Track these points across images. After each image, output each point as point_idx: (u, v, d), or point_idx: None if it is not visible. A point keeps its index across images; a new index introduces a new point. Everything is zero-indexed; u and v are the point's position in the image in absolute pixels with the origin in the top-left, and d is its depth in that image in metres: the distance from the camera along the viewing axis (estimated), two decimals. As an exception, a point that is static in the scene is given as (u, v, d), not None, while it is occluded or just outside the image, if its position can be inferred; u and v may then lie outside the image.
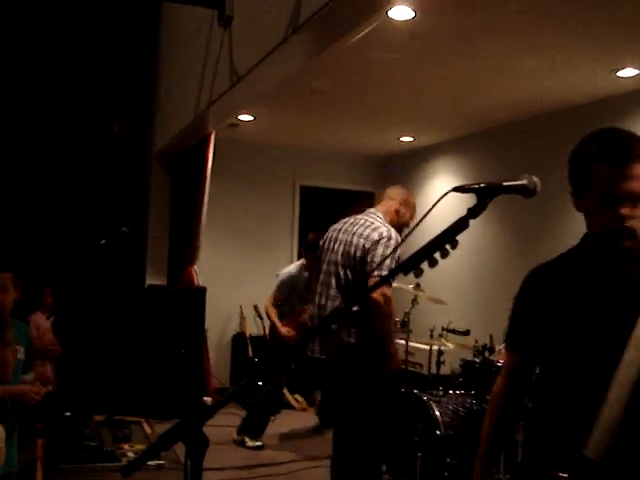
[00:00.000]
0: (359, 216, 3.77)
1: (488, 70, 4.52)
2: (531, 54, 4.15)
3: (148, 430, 5.54)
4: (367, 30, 3.12)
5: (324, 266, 3.69)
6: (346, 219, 3.80)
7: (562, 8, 3.45)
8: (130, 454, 4.73)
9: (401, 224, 3.83)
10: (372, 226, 3.62)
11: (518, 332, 1.85)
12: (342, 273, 3.58)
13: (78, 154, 6.53)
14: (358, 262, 3.53)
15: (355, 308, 3.43)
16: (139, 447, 4.91)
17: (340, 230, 3.72)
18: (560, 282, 1.72)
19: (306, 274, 5.67)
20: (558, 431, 1.66)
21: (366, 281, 3.43)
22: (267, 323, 6.92)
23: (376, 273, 3.40)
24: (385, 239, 3.52)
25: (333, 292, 3.60)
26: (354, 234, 3.61)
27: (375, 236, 3.52)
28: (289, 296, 5.73)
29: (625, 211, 1.53)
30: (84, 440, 4.76)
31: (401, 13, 3.49)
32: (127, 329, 6.16)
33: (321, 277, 3.70)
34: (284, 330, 5.66)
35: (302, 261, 5.82)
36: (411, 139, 7.00)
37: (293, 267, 5.87)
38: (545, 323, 1.73)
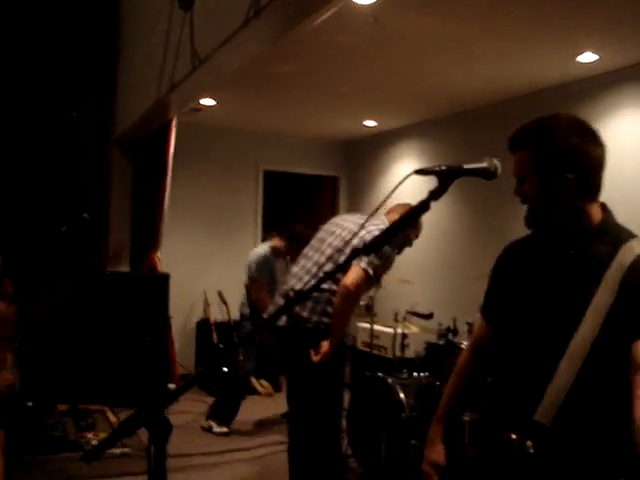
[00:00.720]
0: (363, 215, 3.71)
1: (451, 55, 4.54)
2: (493, 39, 4.18)
3: (112, 418, 5.49)
4: (329, 13, 3.10)
5: (305, 250, 3.58)
6: (347, 215, 3.72)
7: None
8: (94, 443, 4.70)
9: (404, 241, 3.56)
10: (379, 226, 3.40)
11: (492, 302, 1.94)
12: (319, 258, 3.45)
13: (37, 140, 6.40)
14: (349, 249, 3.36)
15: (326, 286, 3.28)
16: (103, 435, 4.87)
17: (338, 224, 3.56)
18: (526, 258, 1.83)
19: (281, 259, 5.60)
20: (513, 399, 1.75)
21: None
22: (233, 310, 6.91)
23: (354, 262, 3.18)
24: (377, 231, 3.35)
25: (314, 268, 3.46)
26: (346, 229, 3.48)
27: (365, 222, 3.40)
28: (268, 280, 5.44)
29: (516, 188, 1.78)
30: (47, 430, 4.71)
31: (363, -4, 3.49)
32: (89, 317, 6.08)
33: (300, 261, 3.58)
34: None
35: (272, 244, 5.56)
36: (375, 123, 7.01)
37: (264, 248, 5.57)
38: (511, 296, 1.82)
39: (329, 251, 3.40)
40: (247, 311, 5.56)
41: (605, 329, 1.58)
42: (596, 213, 1.72)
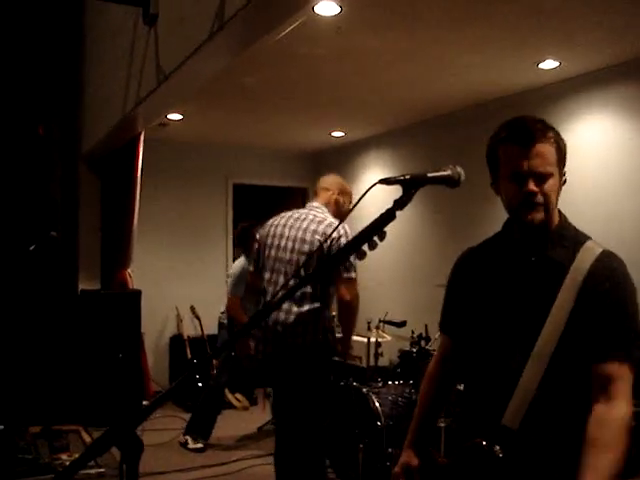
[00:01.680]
0: (302, 210, 3.65)
1: (415, 64, 4.58)
2: (456, 48, 4.23)
3: (87, 438, 5.41)
4: (294, 26, 3.12)
5: (270, 263, 3.55)
6: (287, 213, 3.65)
7: (484, 2, 3.53)
8: (68, 464, 4.62)
9: (343, 214, 3.76)
10: (325, 222, 3.51)
11: (449, 315, 1.96)
12: (293, 271, 3.44)
13: (2, 158, 6.33)
14: (315, 260, 3.43)
15: (307, 308, 3.39)
16: (78, 456, 4.80)
17: (285, 225, 3.56)
18: (484, 265, 1.83)
19: None
20: (482, 404, 1.77)
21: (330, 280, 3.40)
22: (207, 325, 6.88)
23: (345, 275, 3.33)
24: (344, 237, 3.40)
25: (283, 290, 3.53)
26: (305, 230, 3.48)
27: (332, 233, 3.43)
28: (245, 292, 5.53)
29: (532, 187, 1.63)
30: (19, 454, 4.62)
31: (327, 8, 3.51)
32: (61, 336, 6.00)
33: (267, 275, 3.56)
34: (246, 349, 5.49)
35: (242, 255, 5.65)
36: (342, 134, 7.05)
37: (239, 262, 5.63)
38: (471, 305, 1.83)
39: (295, 257, 3.44)
40: (226, 321, 5.59)
41: (567, 332, 1.61)
42: (557, 215, 1.75)
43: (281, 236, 3.54)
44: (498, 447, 1.61)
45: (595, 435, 1.54)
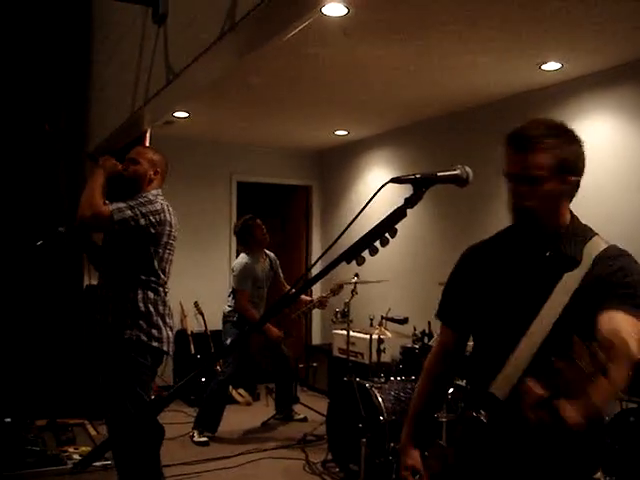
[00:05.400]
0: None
1: (419, 64, 4.64)
2: (461, 49, 4.29)
3: (92, 432, 5.48)
4: (301, 27, 3.18)
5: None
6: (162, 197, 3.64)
7: (488, 4, 3.59)
8: (76, 457, 4.68)
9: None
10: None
11: (449, 306, 2.02)
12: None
13: (10, 154, 6.37)
14: None
15: None
16: (84, 449, 4.86)
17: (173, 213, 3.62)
18: (489, 258, 1.91)
19: (262, 259, 5.74)
20: (478, 381, 1.85)
21: None
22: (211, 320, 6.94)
23: None
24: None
25: None
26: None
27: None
28: (252, 287, 5.63)
29: (522, 189, 1.74)
30: (27, 445, 4.68)
31: (334, 9, 3.57)
32: (66, 331, 6.07)
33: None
34: (275, 332, 5.60)
35: (248, 249, 5.76)
36: (345, 132, 7.10)
37: (242, 257, 5.75)
38: (474, 296, 1.91)
39: None
40: (232, 315, 5.65)
41: (568, 310, 1.68)
42: (567, 214, 1.84)
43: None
44: (483, 412, 1.70)
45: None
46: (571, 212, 1.85)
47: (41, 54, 6.45)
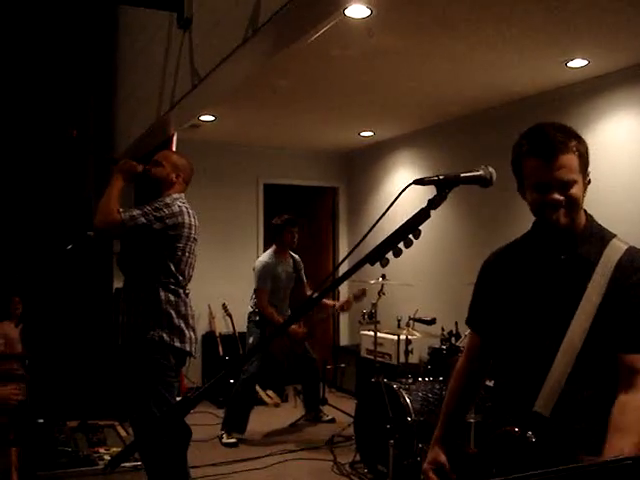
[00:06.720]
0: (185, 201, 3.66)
1: (442, 65, 4.62)
2: (485, 48, 4.27)
3: (123, 433, 5.53)
4: (325, 29, 3.19)
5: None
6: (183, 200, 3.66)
7: (512, 2, 3.57)
8: (107, 457, 4.73)
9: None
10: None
11: (477, 312, 2.02)
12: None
13: (39, 160, 6.48)
14: None
15: None
16: (115, 450, 4.92)
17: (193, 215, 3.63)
18: (514, 263, 1.90)
19: (285, 260, 5.78)
20: (513, 396, 1.83)
21: None
22: (238, 321, 6.97)
23: None
24: None
25: None
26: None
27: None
28: (272, 287, 5.68)
29: (556, 196, 1.71)
30: (59, 446, 4.75)
31: (357, 11, 3.57)
32: (96, 334, 6.14)
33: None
34: (296, 327, 5.60)
35: (272, 249, 5.83)
36: (371, 133, 7.10)
37: (265, 256, 5.83)
38: (502, 301, 1.90)
39: None
40: (256, 317, 5.69)
41: (596, 324, 1.68)
42: (583, 214, 1.82)
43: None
44: (530, 432, 1.68)
45: (618, 420, 1.61)
46: (585, 211, 1.84)
47: (68, 61, 6.54)
